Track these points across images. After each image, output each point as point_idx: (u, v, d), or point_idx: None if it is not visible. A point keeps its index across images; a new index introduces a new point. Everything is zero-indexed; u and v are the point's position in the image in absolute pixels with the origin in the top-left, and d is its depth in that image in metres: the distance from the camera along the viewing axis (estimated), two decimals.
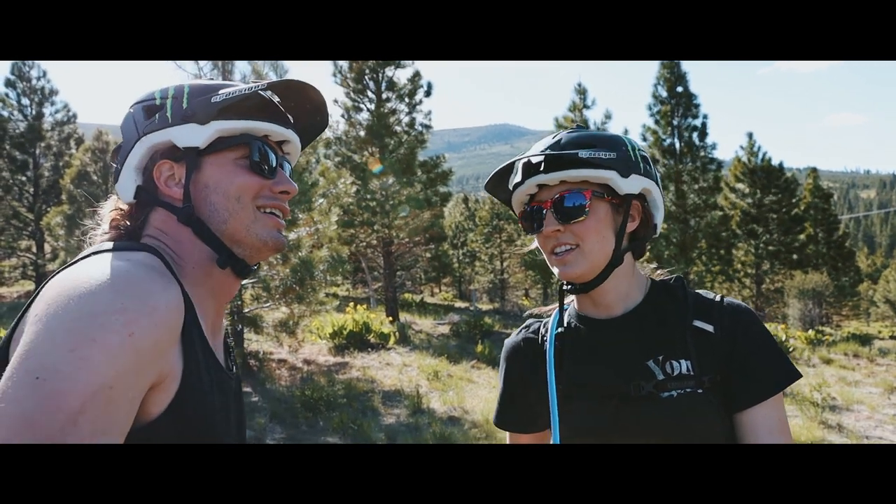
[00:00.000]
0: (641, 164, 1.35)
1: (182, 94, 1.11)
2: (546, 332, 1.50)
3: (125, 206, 1.14)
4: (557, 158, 1.32)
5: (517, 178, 1.39)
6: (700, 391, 1.27)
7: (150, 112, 1.12)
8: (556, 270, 1.38)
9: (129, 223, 1.12)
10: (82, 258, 0.96)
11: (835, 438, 7.80)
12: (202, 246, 1.09)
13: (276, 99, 1.18)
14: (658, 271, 1.51)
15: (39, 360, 0.79)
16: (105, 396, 0.81)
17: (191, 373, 0.96)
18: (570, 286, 1.41)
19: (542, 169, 1.34)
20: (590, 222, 1.32)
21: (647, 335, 1.36)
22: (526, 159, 1.37)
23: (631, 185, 1.33)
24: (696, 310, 1.36)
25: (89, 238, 1.14)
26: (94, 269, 0.90)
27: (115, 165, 1.16)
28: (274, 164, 1.15)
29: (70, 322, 0.82)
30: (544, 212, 1.35)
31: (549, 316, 1.53)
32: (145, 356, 0.86)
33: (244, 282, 10.04)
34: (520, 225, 1.47)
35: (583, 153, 1.30)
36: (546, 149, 1.36)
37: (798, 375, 1.32)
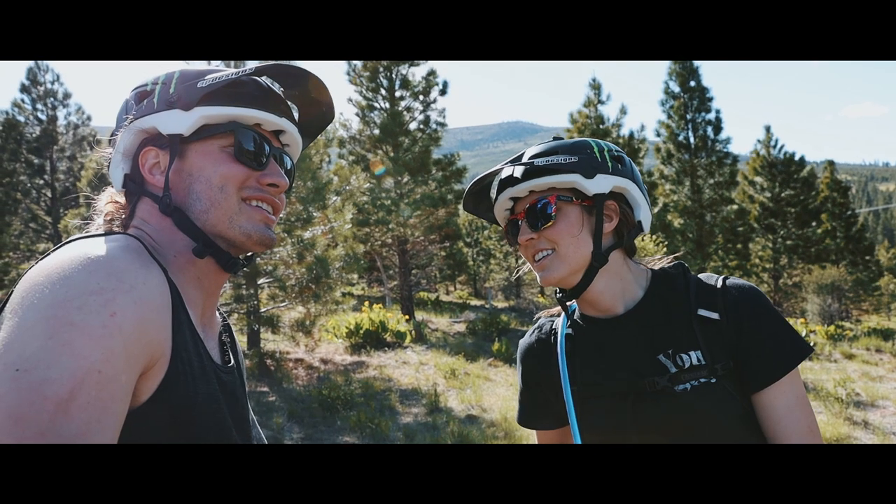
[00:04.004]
0: (610, 164, 1.35)
1: (171, 80, 1.07)
2: (557, 332, 1.51)
3: (121, 199, 1.10)
4: (523, 171, 1.35)
5: (493, 192, 1.44)
6: (714, 380, 1.27)
7: (141, 98, 1.08)
8: (538, 277, 1.39)
9: (124, 216, 1.08)
10: (53, 250, 0.91)
11: (861, 435, 7.67)
12: (183, 238, 1.04)
13: (276, 87, 1.13)
14: (657, 259, 1.49)
15: (18, 352, 0.75)
16: (95, 381, 0.76)
17: (179, 358, 0.91)
18: (561, 293, 1.43)
19: (510, 183, 1.38)
20: (560, 226, 1.34)
21: (653, 330, 1.35)
22: (500, 177, 1.42)
23: (597, 185, 1.33)
24: (699, 298, 1.34)
25: (84, 232, 1.09)
26: (65, 255, 0.86)
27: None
28: (266, 155, 1.09)
29: (45, 310, 0.78)
30: (519, 223, 1.39)
31: (559, 316, 1.54)
32: (132, 337, 0.82)
33: (260, 281, 10.11)
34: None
35: (538, 161, 1.33)
36: (507, 164, 1.39)
37: (809, 349, 1.31)
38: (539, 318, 1.60)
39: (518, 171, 1.36)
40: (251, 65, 1.08)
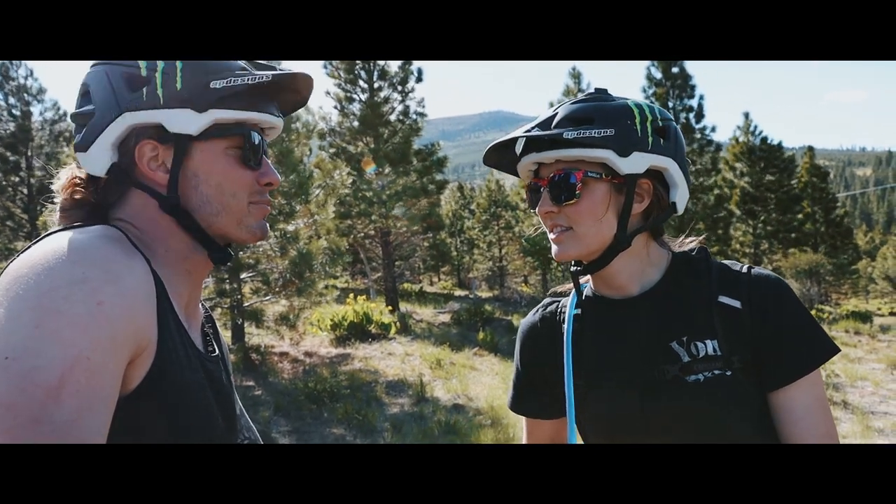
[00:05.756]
0: (651, 139, 1.22)
1: (174, 72, 0.99)
2: (563, 312, 1.42)
3: (83, 175, 1.04)
4: (549, 137, 1.23)
5: (519, 149, 1.32)
6: (729, 373, 1.18)
7: (135, 84, 0.99)
8: (552, 250, 1.30)
9: (91, 197, 1.03)
10: (35, 242, 0.90)
11: (840, 415, 7.81)
12: (182, 235, 1.03)
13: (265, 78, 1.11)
14: (684, 241, 1.40)
15: (5, 341, 0.75)
16: (84, 369, 0.77)
17: (166, 346, 0.92)
18: (575, 266, 1.34)
19: (536, 147, 1.27)
20: (582, 205, 1.23)
21: (668, 315, 1.26)
22: (527, 136, 1.29)
23: (632, 164, 1.21)
24: (721, 284, 1.25)
25: (55, 210, 1.05)
26: (48, 247, 0.85)
27: (75, 125, 1.04)
28: (262, 154, 1.08)
29: (31, 300, 0.78)
30: (542, 190, 1.28)
31: (567, 296, 1.45)
32: (119, 325, 0.82)
33: (243, 276, 10.05)
34: (519, 208, 1.41)
35: (569, 133, 1.19)
36: (537, 125, 1.27)
37: (835, 350, 1.22)
38: (553, 292, 1.51)
39: (546, 137, 1.23)
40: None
